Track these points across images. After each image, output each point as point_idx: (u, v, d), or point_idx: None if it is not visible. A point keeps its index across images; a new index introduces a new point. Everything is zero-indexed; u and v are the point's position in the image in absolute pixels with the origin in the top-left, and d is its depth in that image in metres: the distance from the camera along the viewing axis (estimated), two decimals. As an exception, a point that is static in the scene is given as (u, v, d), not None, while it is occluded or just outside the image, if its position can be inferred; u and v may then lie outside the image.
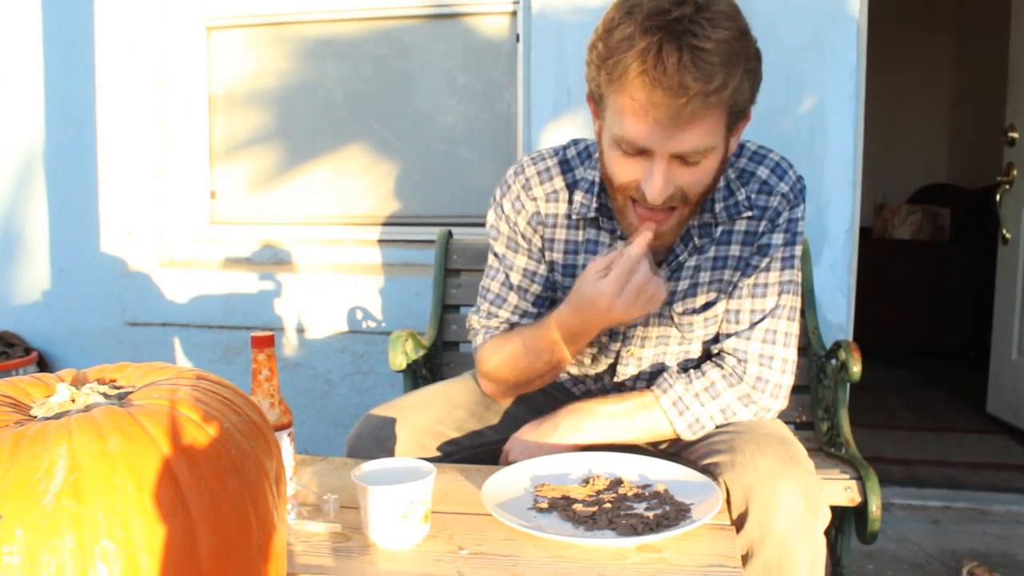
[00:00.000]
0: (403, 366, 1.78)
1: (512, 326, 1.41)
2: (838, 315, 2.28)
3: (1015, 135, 3.16)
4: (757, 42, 1.11)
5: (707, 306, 1.33)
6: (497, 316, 1.42)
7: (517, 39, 2.57)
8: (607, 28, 1.10)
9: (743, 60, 1.07)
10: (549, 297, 1.41)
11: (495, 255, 1.41)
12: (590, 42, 1.14)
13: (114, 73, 2.69)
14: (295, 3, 2.71)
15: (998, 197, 3.25)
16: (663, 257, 1.30)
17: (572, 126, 2.38)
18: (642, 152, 1.12)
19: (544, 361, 1.32)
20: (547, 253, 1.37)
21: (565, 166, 1.34)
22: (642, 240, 1.16)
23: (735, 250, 1.30)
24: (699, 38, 1.03)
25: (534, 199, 1.34)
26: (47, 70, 2.83)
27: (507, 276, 1.40)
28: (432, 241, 2.25)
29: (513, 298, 1.40)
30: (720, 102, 1.07)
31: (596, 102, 1.17)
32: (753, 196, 1.27)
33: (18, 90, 2.85)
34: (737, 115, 1.13)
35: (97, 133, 2.73)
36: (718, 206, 1.27)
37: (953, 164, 5.59)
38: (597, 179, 1.29)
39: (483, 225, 2.48)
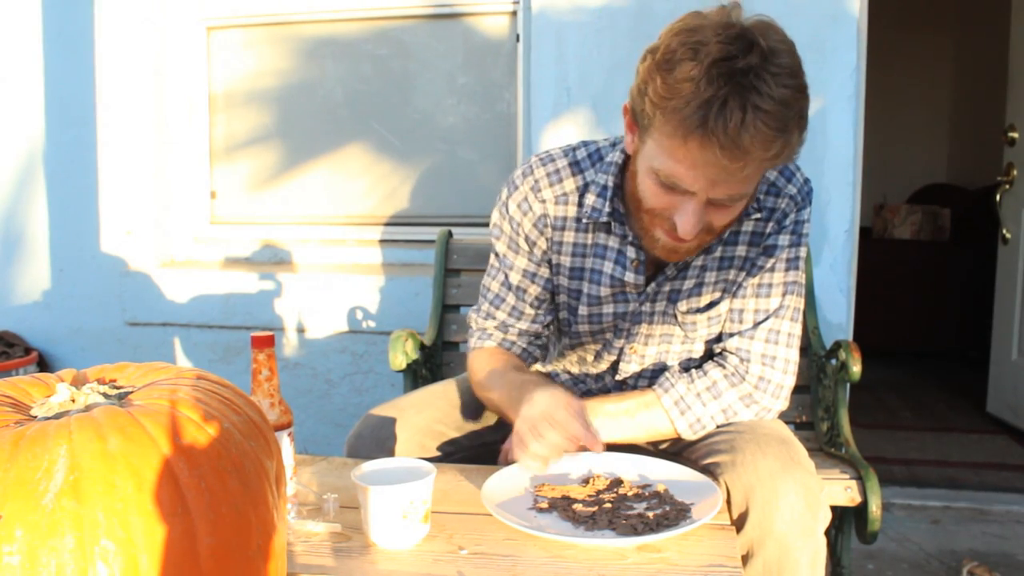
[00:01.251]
0: (403, 366, 1.78)
1: (507, 329, 1.41)
2: (838, 315, 2.28)
3: (1015, 135, 3.16)
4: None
5: (711, 305, 1.33)
6: (494, 317, 1.42)
7: (517, 39, 2.57)
8: (667, 59, 1.05)
9: (798, 119, 1.06)
10: (548, 299, 1.41)
11: (496, 255, 1.41)
12: (645, 65, 1.09)
13: (114, 73, 2.69)
14: (295, 3, 2.71)
15: (998, 197, 3.25)
16: None
17: (572, 126, 2.38)
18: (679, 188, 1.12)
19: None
20: (554, 256, 1.36)
21: (575, 168, 1.32)
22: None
23: (741, 250, 1.30)
24: (762, 97, 1.01)
25: (543, 201, 1.33)
26: (47, 70, 2.83)
27: (506, 276, 1.40)
28: (432, 241, 2.25)
29: (511, 299, 1.40)
30: (770, 164, 1.09)
31: (638, 124, 1.14)
32: (761, 198, 1.27)
33: (18, 90, 2.85)
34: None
35: (97, 133, 2.73)
36: None
37: (953, 164, 5.59)
38: (610, 183, 1.28)
39: (484, 225, 2.48)
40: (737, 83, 1.01)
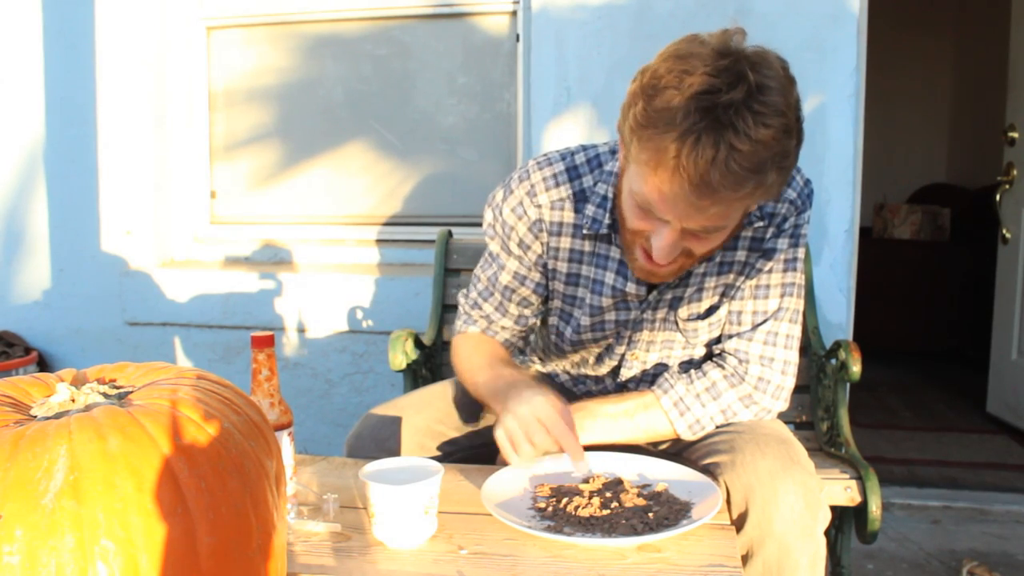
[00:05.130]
0: (403, 366, 1.78)
1: (491, 322, 1.43)
2: (838, 315, 2.28)
3: (1015, 135, 3.16)
4: (802, 121, 1.04)
5: (711, 311, 1.32)
6: (480, 308, 1.43)
7: (517, 39, 2.57)
8: (653, 85, 1.01)
9: (779, 160, 1.01)
10: (536, 302, 1.41)
11: (490, 252, 1.42)
12: (634, 86, 1.06)
13: (114, 73, 2.69)
14: (295, 3, 2.71)
15: (998, 197, 3.25)
16: None
17: (572, 125, 2.38)
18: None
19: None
20: (550, 261, 1.36)
21: (573, 172, 1.31)
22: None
23: (741, 255, 1.29)
24: (739, 136, 0.96)
25: (538, 206, 1.31)
26: (47, 70, 2.83)
27: (496, 274, 1.40)
28: (432, 241, 2.25)
29: (498, 296, 1.41)
30: (744, 203, 1.06)
31: (624, 145, 1.12)
32: (761, 203, 1.26)
33: (18, 90, 2.85)
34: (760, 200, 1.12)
35: (97, 133, 2.73)
36: None
37: (953, 164, 5.59)
38: (610, 194, 1.26)
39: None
40: (715, 118, 0.96)
